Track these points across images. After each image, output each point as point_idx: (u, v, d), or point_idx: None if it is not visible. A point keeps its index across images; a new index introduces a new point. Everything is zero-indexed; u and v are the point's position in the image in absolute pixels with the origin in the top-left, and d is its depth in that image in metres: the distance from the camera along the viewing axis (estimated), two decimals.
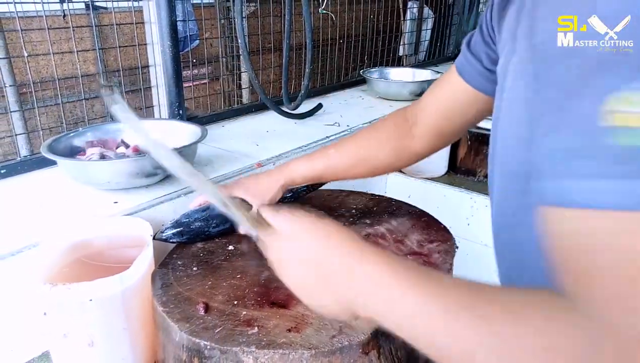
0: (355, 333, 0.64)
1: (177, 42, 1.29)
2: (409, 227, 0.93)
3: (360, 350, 0.64)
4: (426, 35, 3.01)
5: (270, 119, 1.61)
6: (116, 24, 1.39)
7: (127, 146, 1.14)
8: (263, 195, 0.85)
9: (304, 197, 1.02)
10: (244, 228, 0.69)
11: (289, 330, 0.65)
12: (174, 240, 0.86)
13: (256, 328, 0.65)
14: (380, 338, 0.67)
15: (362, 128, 0.88)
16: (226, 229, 0.88)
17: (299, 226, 0.54)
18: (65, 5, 1.74)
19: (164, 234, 0.86)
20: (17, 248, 0.81)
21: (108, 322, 0.72)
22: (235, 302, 0.71)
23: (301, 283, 0.53)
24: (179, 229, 0.86)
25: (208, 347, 0.63)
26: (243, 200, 0.82)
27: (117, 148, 1.13)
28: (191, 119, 1.44)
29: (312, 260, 0.50)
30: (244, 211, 0.61)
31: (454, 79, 0.72)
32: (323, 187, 1.05)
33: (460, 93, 0.72)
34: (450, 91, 0.74)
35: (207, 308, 0.69)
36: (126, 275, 0.71)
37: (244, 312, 0.69)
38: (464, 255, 1.64)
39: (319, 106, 1.69)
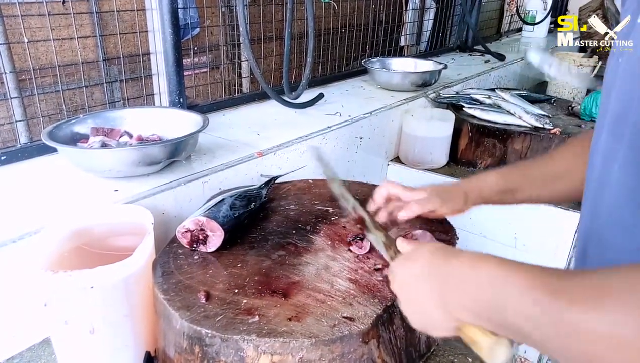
0: (355, 323, 0.65)
1: (178, 29, 1.27)
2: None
3: (361, 339, 0.64)
4: (428, 25, 2.99)
5: (271, 108, 1.61)
6: (117, 11, 1.38)
7: (130, 136, 1.14)
8: (446, 198, 0.82)
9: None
10: (378, 248, 0.74)
11: (290, 319, 0.65)
12: None
13: (257, 316, 0.65)
14: (380, 327, 0.67)
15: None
16: None
17: (420, 248, 0.58)
18: None
19: None
20: (18, 235, 0.81)
21: (109, 309, 0.72)
22: (236, 291, 0.71)
23: (415, 299, 0.56)
24: None
25: (209, 334, 0.63)
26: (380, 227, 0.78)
27: (120, 137, 1.12)
28: (192, 107, 1.43)
29: (427, 274, 0.54)
30: (382, 235, 0.71)
31: None
32: (324, 177, 1.04)
33: None
34: None
35: (207, 297, 0.69)
36: (128, 263, 0.71)
37: (245, 301, 0.69)
38: (464, 246, 1.65)
39: (320, 96, 1.68)
